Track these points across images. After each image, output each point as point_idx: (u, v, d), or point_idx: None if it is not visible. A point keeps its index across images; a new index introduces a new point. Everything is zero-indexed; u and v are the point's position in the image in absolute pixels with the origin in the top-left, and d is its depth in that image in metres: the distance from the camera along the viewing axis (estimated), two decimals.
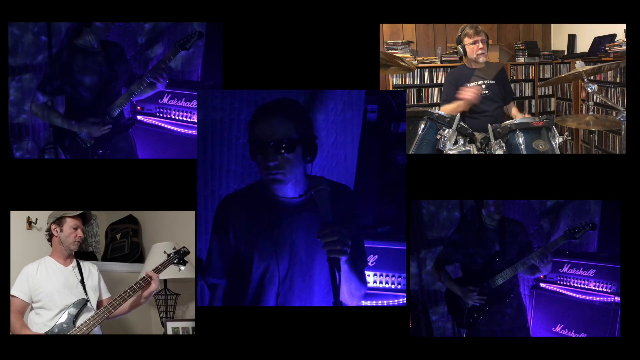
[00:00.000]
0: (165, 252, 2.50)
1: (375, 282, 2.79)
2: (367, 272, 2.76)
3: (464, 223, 2.88)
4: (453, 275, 2.75)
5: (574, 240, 2.49)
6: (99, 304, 2.45)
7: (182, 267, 2.48)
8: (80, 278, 2.42)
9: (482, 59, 3.13)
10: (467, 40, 3.10)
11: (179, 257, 2.46)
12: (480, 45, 3.10)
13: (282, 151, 1.76)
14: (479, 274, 2.60)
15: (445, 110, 2.95)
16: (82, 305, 2.36)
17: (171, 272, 2.58)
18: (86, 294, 2.40)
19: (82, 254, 2.90)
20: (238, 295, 1.87)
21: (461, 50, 3.13)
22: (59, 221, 2.40)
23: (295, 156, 1.80)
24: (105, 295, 2.51)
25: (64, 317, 2.32)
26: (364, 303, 2.72)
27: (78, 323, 2.31)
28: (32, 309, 2.35)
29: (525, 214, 3.12)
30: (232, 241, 1.86)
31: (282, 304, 1.84)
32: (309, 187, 1.84)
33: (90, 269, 2.49)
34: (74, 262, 2.45)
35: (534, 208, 3.14)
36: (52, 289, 2.34)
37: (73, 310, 2.33)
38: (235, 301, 1.89)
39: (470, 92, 2.99)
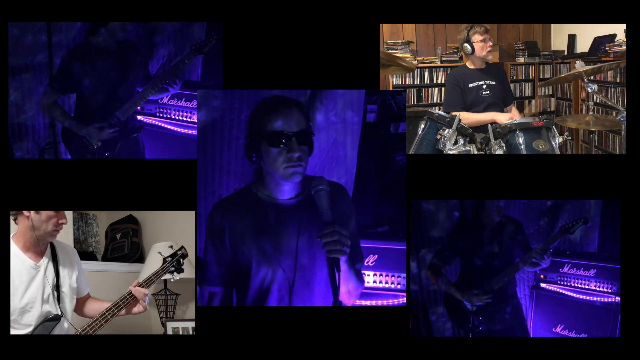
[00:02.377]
0: (160, 252, 2.33)
1: (375, 282, 2.79)
2: (367, 272, 2.77)
3: (462, 224, 2.88)
4: (451, 279, 2.74)
5: (570, 235, 2.50)
6: (79, 301, 2.15)
7: (178, 277, 2.24)
8: (55, 282, 1.96)
9: (490, 57, 3.16)
10: (477, 38, 3.11)
11: (175, 265, 2.23)
12: (490, 43, 3.12)
13: (302, 143, 1.75)
14: (478, 276, 2.60)
15: (469, 118, 2.95)
16: (55, 323, 1.97)
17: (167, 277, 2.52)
18: (59, 302, 1.98)
19: (80, 254, 2.86)
20: (238, 302, 1.84)
21: (469, 48, 3.13)
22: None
23: (308, 149, 1.79)
24: (85, 290, 2.17)
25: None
26: (364, 303, 2.73)
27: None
28: None
29: (525, 213, 3.12)
30: (229, 247, 1.81)
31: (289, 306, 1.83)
32: (304, 187, 1.82)
33: (70, 261, 2.07)
34: (47, 256, 1.98)
35: (534, 208, 3.15)
36: (22, 304, 1.90)
37: (46, 328, 1.94)
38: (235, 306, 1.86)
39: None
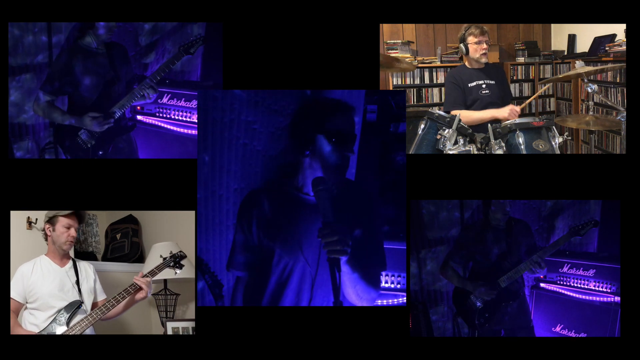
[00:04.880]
0: (161, 255, 2.49)
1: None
2: None
3: (469, 222, 2.89)
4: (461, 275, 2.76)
5: (579, 236, 2.52)
6: (94, 305, 2.43)
7: (178, 271, 2.49)
8: (75, 279, 2.38)
9: (484, 59, 3.15)
10: (471, 40, 3.11)
11: (174, 260, 2.46)
12: (484, 45, 3.11)
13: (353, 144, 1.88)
14: (487, 275, 2.61)
15: (470, 116, 2.96)
16: (76, 306, 2.33)
17: (169, 274, 2.58)
18: (81, 295, 2.37)
19: (80, 254, 2.90)
20: (258, 289, 1.92)
21: (463, 49, 3.13)
22: (51, 220, 2.36)
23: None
24: (101, 297, 2.48)
25: (57, 319, 2.29)
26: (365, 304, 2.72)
27: (71, 324, 2.29)
28: (26, 308, 2.32)
29: (525, 213, 3.13)
30: (255, 235, 1.91)
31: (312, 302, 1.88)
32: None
33: (86, 270, 2.45)
34: (70, 263, 2.41)
35: (534, 208, 3.15)
36: (46, 291, 2.31)
37: (67, 312, 2.30)
38: (255, 295, 1.94)
39: (512, 113, 2.96)
